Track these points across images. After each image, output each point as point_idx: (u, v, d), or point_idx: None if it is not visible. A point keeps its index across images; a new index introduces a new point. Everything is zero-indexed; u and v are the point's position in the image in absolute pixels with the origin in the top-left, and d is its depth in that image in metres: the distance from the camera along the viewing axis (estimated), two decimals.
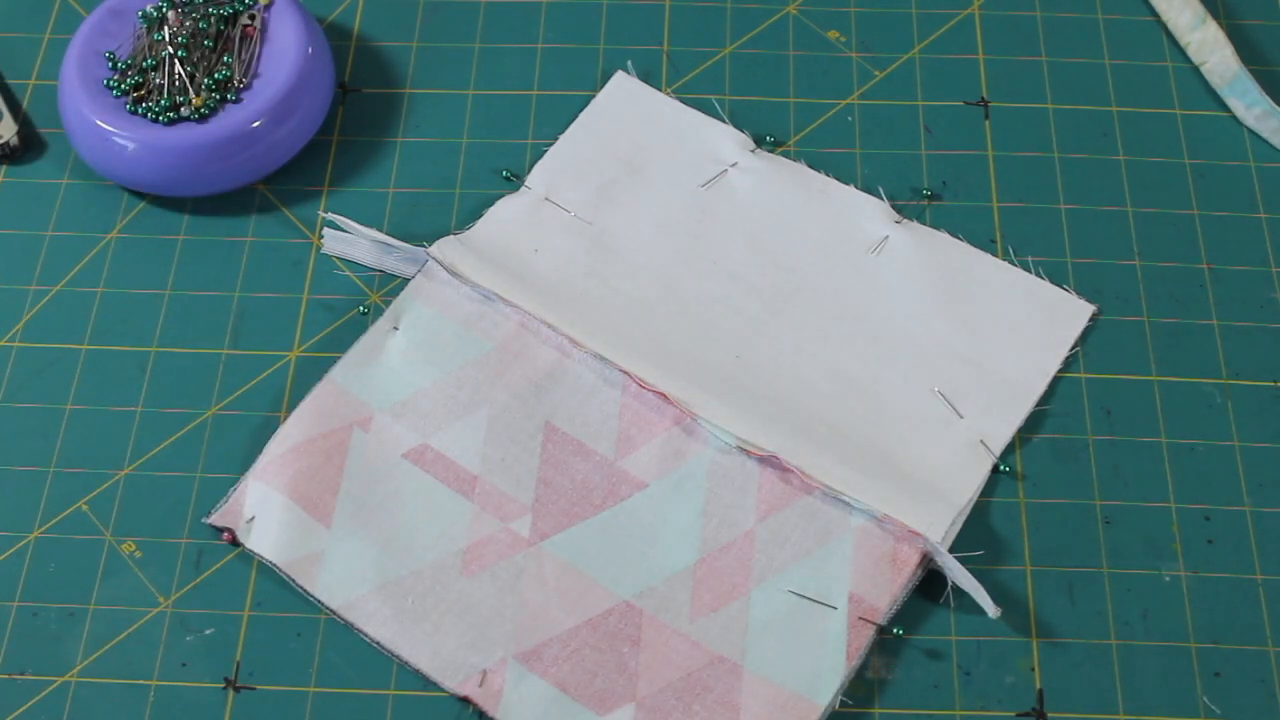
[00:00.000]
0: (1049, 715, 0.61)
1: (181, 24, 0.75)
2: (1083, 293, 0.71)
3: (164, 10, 0.76)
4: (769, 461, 0.64)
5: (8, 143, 0.77)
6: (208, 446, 0.68)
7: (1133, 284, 0.72)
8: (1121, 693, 0.62)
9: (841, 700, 0.60)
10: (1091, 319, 0.70)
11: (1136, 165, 0.76)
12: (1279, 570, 0.64)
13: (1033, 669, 0.62)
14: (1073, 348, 0.69)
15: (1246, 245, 0.73)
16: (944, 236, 0.72)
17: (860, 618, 0.61)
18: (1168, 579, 0.64)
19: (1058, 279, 0.72)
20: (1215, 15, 0.80)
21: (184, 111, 0.73)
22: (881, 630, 0.61)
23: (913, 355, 0.68)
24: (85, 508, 0.67)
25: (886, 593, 0.62)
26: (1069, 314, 0.70)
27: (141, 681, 0.62)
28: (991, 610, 0.61)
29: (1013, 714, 0.61)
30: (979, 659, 0.62)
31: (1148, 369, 0.70)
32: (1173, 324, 0.71)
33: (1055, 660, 0.62)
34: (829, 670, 0.60)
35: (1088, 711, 0.61)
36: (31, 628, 0.64)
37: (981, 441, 0.66)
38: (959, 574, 0.61)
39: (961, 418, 0.66)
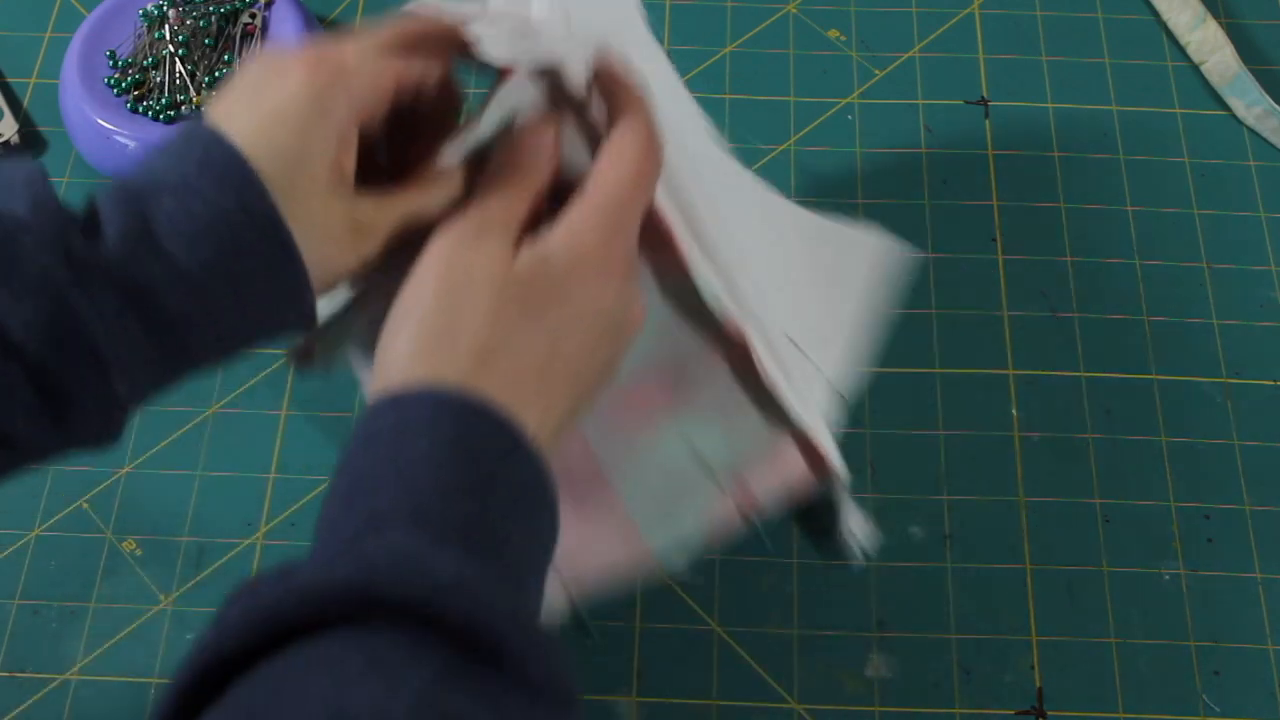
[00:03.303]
0: (1049, 714, 0.61)
1: (182, 23, 0.75)
2: (1083, 291, 0.72)
3: (165, 9, 0.76)
4: (734, 336, 0.56)
5: (8, 141, 0.77)
6: (208, 445, 0.68)
7: (1132, 283, 0.72)
8: (1121, 691, 0.62)
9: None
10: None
11: (1136, 165, 0.76)
12: (1278, 569, 0.64)
13: (1032, 667, 0.62)
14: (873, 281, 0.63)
15: (1246, 245, 0.73)
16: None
17: (736, 503, 0.57)
18: (1167, 578, 0.64)
19: (1058, 278, 0.72)
20: (1215, 15, 0.80)
21: (185, 110, 0.73)
22: (748, 523, 0.57)
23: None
24: (86, 506, 0.67)
25: (768, 490, 0.57)
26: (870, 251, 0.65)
27: (142, 680, 0.62)
28: (864, 546, 0.58)
29: (1012, 712, 0.61)
30: (979, 657, 0.62)
31: (1147, 368, 0.70)
32: (1173, 323, 0.71)
33: (1055, 659, 0.62)
34: (678, 525, 0.57)
35: (1087, 710, 0.61)
36: (32, 626, 0.64)
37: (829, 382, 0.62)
38: (846, 503, 0.59)
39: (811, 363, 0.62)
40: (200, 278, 0.40)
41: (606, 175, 0.44)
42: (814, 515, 0.60)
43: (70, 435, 0.40)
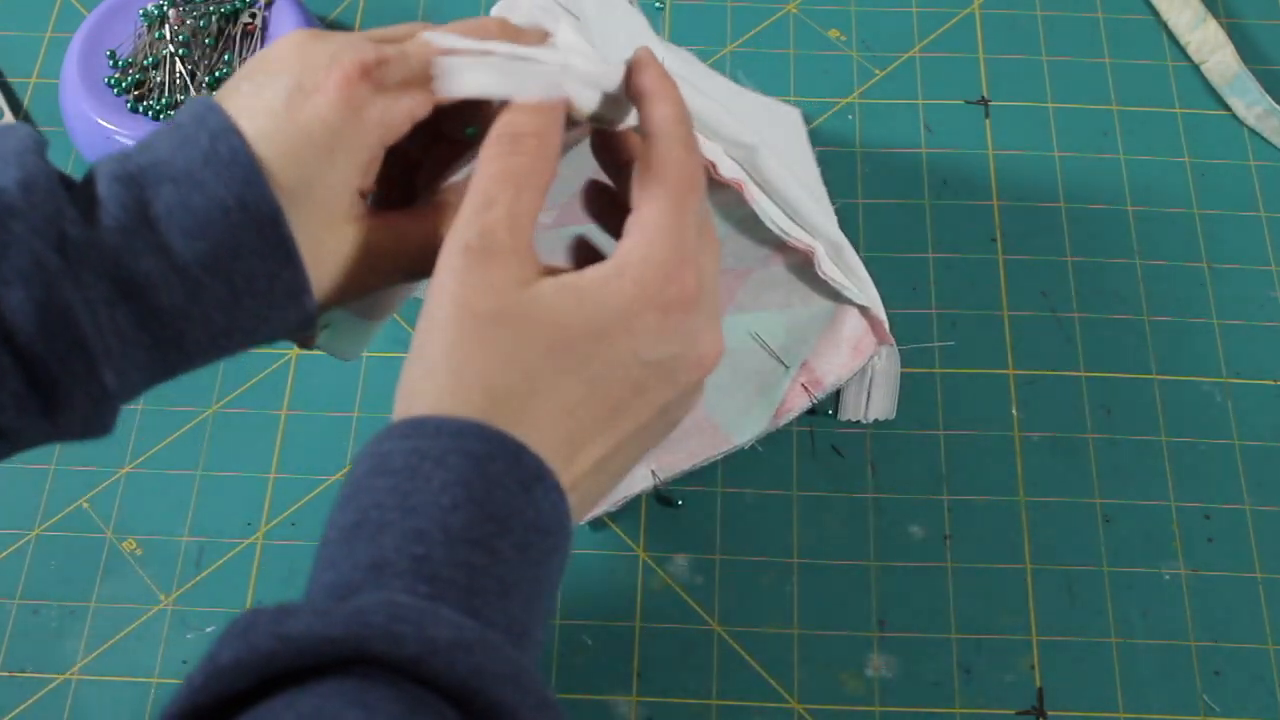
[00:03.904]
0: (1049, 713, 0.61)
1: (182, 22, 0.75)
2: (1083, 291, 0.72)
3: (165, 9, 0.76)
4: (796, 247, 0.62)
5: None
6: (209, 444, 0.68)
7: (1133, 283, 0.72)
8: (1121, 691, 0.62)
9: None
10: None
11: (1136, 164, 0.76)
12: (1278, 568, 0.64)
13: (1032, 667, 0.62)
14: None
15: (1246, 244, 0.73)
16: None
17: (803, 384, 0.63)
18: (1167, 577, 0.64)
19: (1058, 278, 0.72)
20: (1215, 14, 0.80)
21: None
22: (813, 407, 0.65)
23: None
24: (86, 505, 0.67)
25: (835, 372, 0.64)
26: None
27: (142, 679, 0.62)
28: (889, 413, 0.65)
29: (1012, 712, 0.61)
30: (979, 657, 0.62)
31: (1147, 368, 0.70)
32: (1172, 323, 0.71)
33: (1055, 659, 0.62)
34: (755, 419, 0.63)
35: (1087, 710, 0.61)
36: (32, 625, 0.64)
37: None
38: (891, 377, 0.65)
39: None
40: (196, 273, 0.39)
41: (656, 205, 0.41)
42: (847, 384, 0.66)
43: (59, 425, 0.40)
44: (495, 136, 0.42)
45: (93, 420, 0.40)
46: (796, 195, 0.61)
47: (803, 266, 0.66)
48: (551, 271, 0.40)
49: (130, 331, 0.39)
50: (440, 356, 0.39)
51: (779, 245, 0.65)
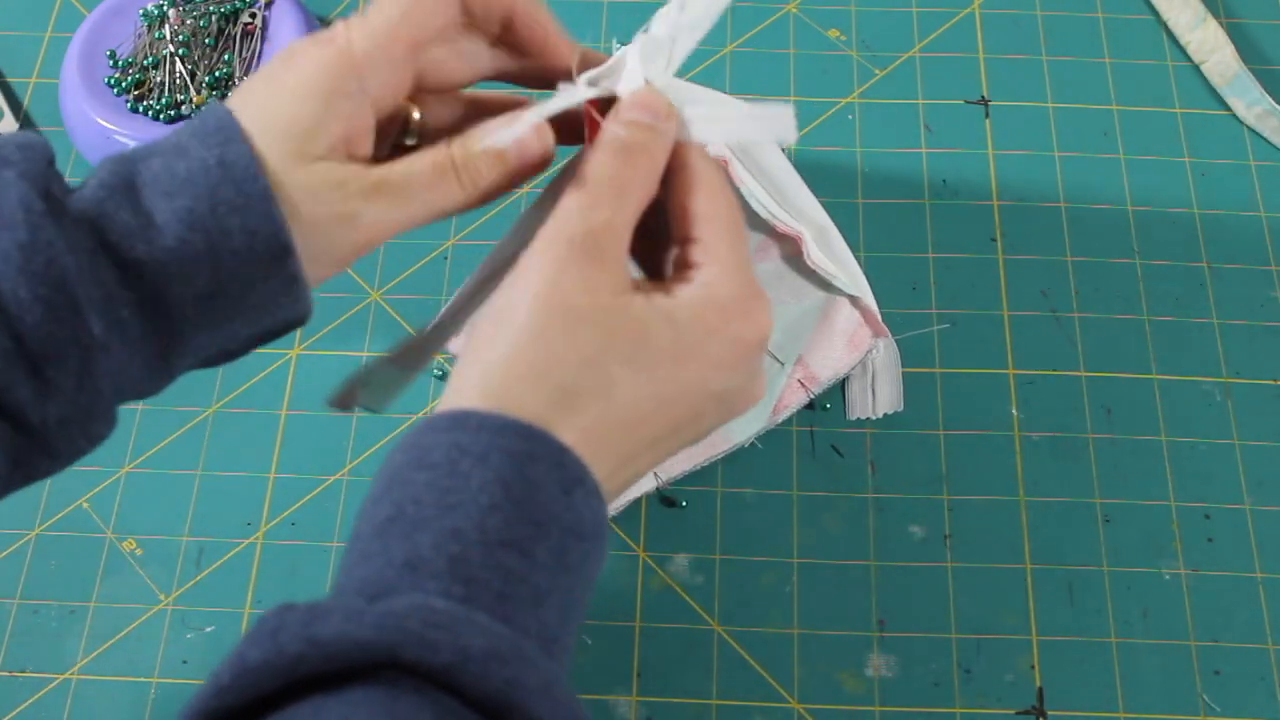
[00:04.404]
0: (1049, 713, 0.61)
1: (182, 22, 0.75)
2: (1083, 291, 0.72)
3: (165, 9, 0.76)
4: (785, 233, 0.63)
5: None
6: (209, 444, 0.68)
7: (1133, 283, 0.72)
8: (1121, 691, 0.62)
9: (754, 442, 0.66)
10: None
11: (1136, 164, 0.76)
12: (1278, 568, 0.64)
13: (1033, 667, 0.62)
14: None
15: (1246, 244, 0.73)
16: None
17: (800, 380, 0.65)
18: (1168, 577, 0.64)
19: (1058, 278, 0.72)
20: (1215, 14, 0.80)
21: (185, 110, 0.73)
22: (812, 402, 0.66)
23: None
24: (86, 505, 0.67)
25: (831, 366, 0.65)
26: None
27: (142, 679, 0.62)
28: (896, 405, 0.68)
29: (1013, 712, 0.61)
30: (979, 657, 0.62)
31: (1148, 368, 0.70)
32: (1173, 323, 0.71)
33: (1055, 658, 0.62)
34: (753, 416, 0.64)
35: (1088, 709, 0.61)
36: (32, 625, 0.64)
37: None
38: (892, 369, 0.67)
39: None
40: (175, 229, 0.39)
41: (726, 238, 0.41)
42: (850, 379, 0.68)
43: (50, 389, 0.39)
44: (611, 144, 0.42)
45: (83, 380, 0.39)
46: (780, 173, 0.62)
47: (792, 258, 0.66)
48: (638, 286, 0.41)
49: (112, 282, 0.39)
50: (521, 345, 0.38)
51: (768, 233, 0.65)
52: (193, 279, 0.39)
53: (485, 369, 0.39)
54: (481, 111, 0.46)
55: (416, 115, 0.45)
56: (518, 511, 0.36)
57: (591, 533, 0.38)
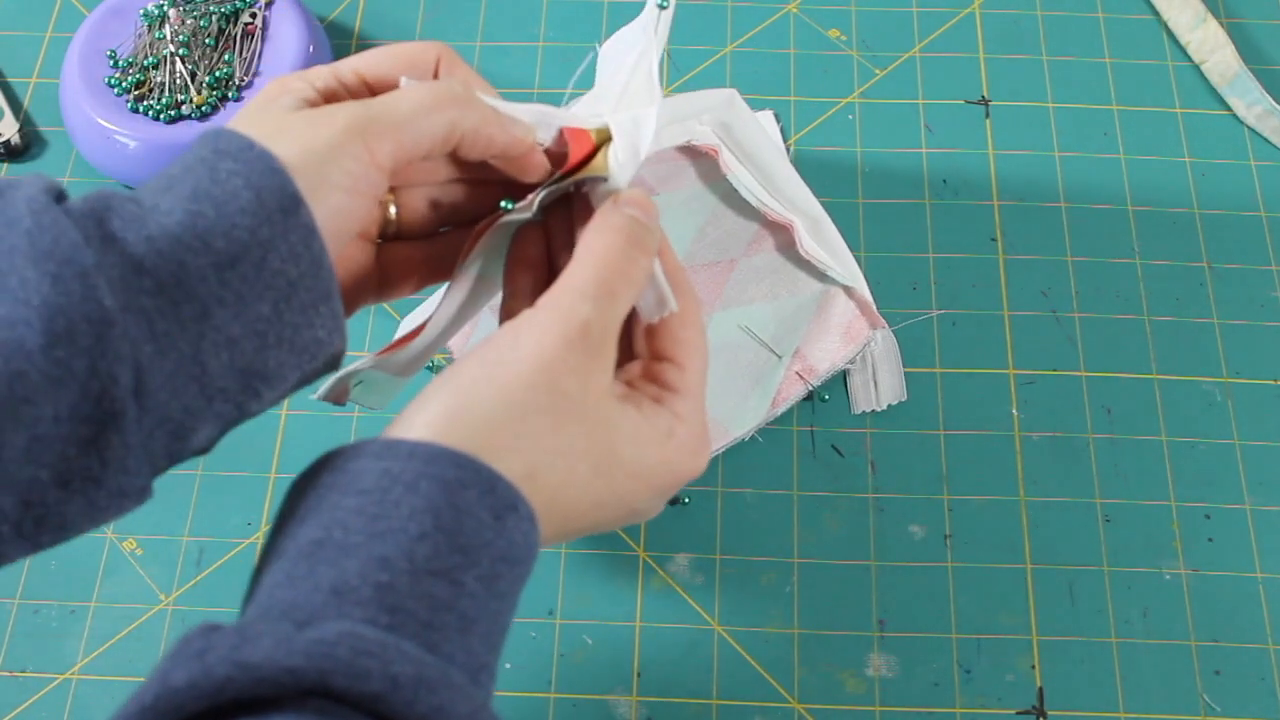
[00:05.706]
0: (1049, 713, 0.61)
1: (183, 22, 0.75)
2: (1083, 291, 0.72)
3: (165, 9, 0.76)
4: (778, 221, 0.64)
5: (9, 141, 0.77)
6: None
7: (1133, 282, 0.72)
8: (1122, 690, 0.62)
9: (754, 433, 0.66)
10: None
11: (1137, 164, 0.76)
12: (1278, 568, 0.64)
13: (1033, 667, 0.62)
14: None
15: (1246, 244, 0.73)
16: None
17: (797, 372, 0.65)
18: (1168, 577, 0.64)
19: (1058, 278, 0.72)
20: (1215, 14, 0.80)
21: (185, 110, 0.73)
22: (810, 393, 0.67)
23: None
24: None
25: (828, 359, 0.66)
26: None
27: (142, 679, 0.62)
28: (900, 394, 0.68)
29: (1013, 712, 0.61)
30: (979, 657, 0.62)
31: (1148, 368, 0.70)
32: (1173, 323, 0.71)
33: (1055, 658, 0.62)
34: (753, 409, 0.65)
35: (1088, 709, 0.61)
36: (33, 625, 0.64)
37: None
38: (892, 359, 0.67)
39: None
40: (181, 204, 0.38)
41: (697, 365, 0.44)
42: (851, 371, 0.69)
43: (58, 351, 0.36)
44: (626, 230, 0.43)
45: (98, 355, 0.36)
46: (771, 163, 0.62)
47: (786, 250, 0.66)
48: (623, 394, 0.43)
49: (116, 261, 0.37)
50: (495, 410, 0.39)
51: (761, 223, 0.65)
52: (209, 244, 0.38)
53: (459, 414, 0.39)
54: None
55: (393, 211, 0.48)
56: (447, 540, 0.37)
57: (523, 557, 0.39)
